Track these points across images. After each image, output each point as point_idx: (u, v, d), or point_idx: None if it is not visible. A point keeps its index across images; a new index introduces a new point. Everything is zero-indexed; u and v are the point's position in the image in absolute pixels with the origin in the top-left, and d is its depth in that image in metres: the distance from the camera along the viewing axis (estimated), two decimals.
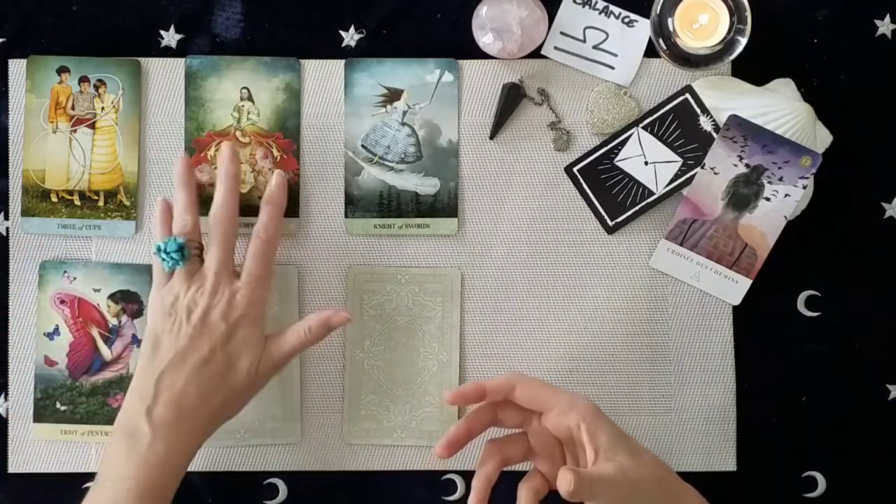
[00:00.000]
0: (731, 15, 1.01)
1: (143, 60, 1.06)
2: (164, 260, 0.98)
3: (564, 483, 0.83)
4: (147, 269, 1.05)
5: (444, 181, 1.06)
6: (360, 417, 1.06)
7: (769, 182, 1.04)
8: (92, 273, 1.05)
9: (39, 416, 1.05)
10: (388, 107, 1.06)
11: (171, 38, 1.07)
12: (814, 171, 1.03)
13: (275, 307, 1.06)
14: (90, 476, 1.05)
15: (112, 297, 1.05)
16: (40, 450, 1.06)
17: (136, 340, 1.05)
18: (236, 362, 0.97)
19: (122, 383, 1.05)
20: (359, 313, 1.06)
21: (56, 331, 1.05)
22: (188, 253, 0.99)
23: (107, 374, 1.05)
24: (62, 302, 1.05)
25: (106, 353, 1.05)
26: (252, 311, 0.98)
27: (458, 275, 1.07)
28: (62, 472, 1.06)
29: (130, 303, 1.05)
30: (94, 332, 1.05)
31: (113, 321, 1.05)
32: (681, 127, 1.05)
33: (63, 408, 1.05)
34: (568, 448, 0.93)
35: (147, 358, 0.97)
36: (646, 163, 1.06)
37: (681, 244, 1.06)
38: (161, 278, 0.99)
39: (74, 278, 1.05)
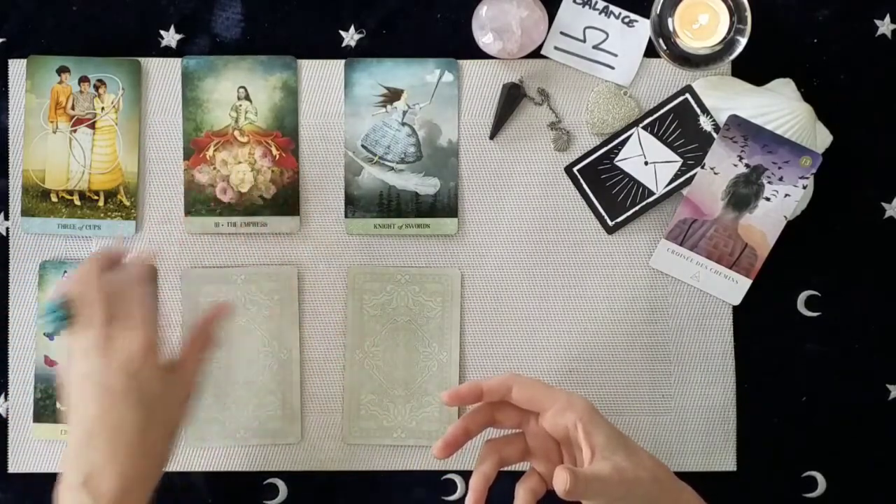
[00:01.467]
0: (731, 15, 1.01)
1: (143, 60, 1.07)
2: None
3: (561, 482, 0.83)
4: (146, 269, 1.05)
5: (444, 181, 1.06)
6: (359, 417, 1.06)
7: (769, 182, 1.03)
8: None
9: (39, 416, 1.05)
10: (388, 107, 1.06)
11: (171, 38, 1.07)
12: (814, 171, 1.03)
13: (275, 307, 1.06)
14: None
15: None
16: (40, 450, 1.06)
17: None
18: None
19: None
20: (359, 313, 1.06)
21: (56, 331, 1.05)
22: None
23: None
24: None
25: None
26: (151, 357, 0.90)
27: (458, 275, 1.06)
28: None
29: None
30: None
31: None
32: (681, 127, 1.05)
33: (63, 408, 1.05)
34: (565, 448, 0.93)
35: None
36: (646, 163, 1.06)
37: (681, 244, 1.05)
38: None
39: None
